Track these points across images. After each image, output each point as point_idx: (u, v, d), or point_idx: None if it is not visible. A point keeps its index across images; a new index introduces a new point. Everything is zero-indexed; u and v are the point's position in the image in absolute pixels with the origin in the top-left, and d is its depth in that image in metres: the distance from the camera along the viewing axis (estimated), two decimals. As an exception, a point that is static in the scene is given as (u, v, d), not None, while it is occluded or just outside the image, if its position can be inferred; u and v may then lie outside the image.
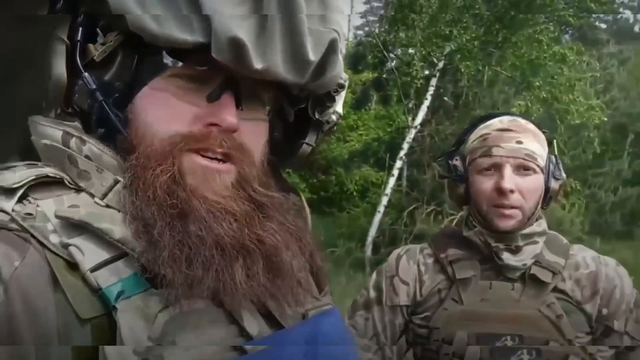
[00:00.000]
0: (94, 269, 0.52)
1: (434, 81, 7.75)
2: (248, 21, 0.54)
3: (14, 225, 0.53)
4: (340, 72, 0.63)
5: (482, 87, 8.50)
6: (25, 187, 0.56)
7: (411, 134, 7.54)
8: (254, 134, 0.63)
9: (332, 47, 0.58)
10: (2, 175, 0.57)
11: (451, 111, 8.93)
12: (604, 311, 1.14)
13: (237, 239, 0.56)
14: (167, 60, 0.58)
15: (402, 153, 7.38)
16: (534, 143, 1.16)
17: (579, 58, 8.41)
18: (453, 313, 1.14)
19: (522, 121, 1.20)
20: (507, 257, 1.14)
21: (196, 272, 0.53)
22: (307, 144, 0.74)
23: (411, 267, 1.25)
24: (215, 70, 0.57)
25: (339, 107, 0.73)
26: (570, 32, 13.97)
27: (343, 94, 0.73)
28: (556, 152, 1.21)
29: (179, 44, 0.55)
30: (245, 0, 0.54)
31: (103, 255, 0.54)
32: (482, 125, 1.22)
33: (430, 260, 1.25)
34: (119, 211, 0.57)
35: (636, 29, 18.85)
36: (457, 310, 1.14)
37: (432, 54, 7.34)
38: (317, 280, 0.72)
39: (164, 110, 0.58)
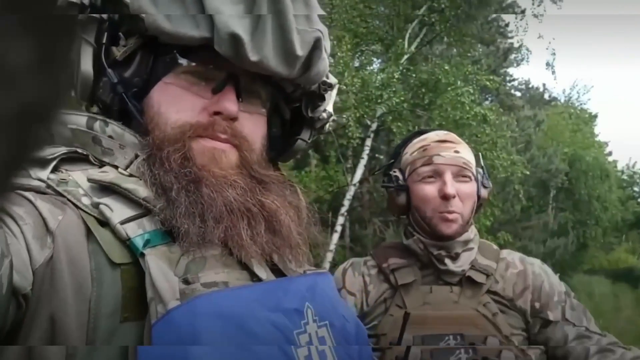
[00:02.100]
0: (123, 222, 0.59)
1: (368, 142, 8.09)
2: (245, 20, 0.63)
3: (49, 191, 0.61)
4: (325, 68, 0.73)
5: (414, 146, 8.97)
6: (57, 159, 0.64)
7: (351, 192, 7.75)
8: (253, 125, 0.71)
9: (317, 44, 0.67)
10: None
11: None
12: (537, 305, 1.19)
13: (242, 203, 0.64)
14: (180, 60, 0.67)
15: (343, 210, 7.55)
16: (467, 153, 1.25)
17: (499, 118, 9.10)
18: (398, 318, 1.16)
19: (454, 135, 1.30)
20: (449, 263, 1.21)
21: (209, 224, 0.61)
22: (301, 139, 0.82)
23: (357, 278, 1.29)
24: (219, 68, 0.67)
25: (329, 106, 0.82)
26: (489, 98, 15.07)
27: (333, 94, 0.82)
28: (482, 164, 1.30)
29: (187, 39, 0.64)
30: (241, 1, 0.64)
31: (129, 212, 0.61)
32: (417, 139, 1.30)
33: (374, 271, 1.29)
34: (140, 179, 0.64)
35: (546, 96, 20.66)
36: (402, 315, 1.15)
37: (365, 116, 7.71)
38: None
39: (175, 102, 0.67)
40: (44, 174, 0.62)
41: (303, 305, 0.62)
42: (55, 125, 0.20)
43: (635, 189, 25.46)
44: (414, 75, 8.09)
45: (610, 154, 23.94)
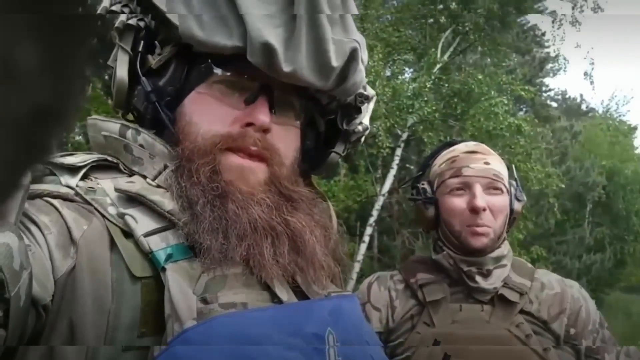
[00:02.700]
0: (146, 235, 0.59)
1: (398, 151, 8.00)
2: (279, 29, 0.62)
3: (77, 199, 0.61)
4: (362, 79, 0.71)
5: (445, 156, 8.90)
6: (87, 167, 0.64)
7: (380, 202, 7.68)
8: (285, 137, 0.70)
9: (353, 55, 0.65)
10: (66, 159, 0.64)
11: (417, 180, 9.28)
12: (572, 331, 1.14)
13: (267, 221, 0.63)
14: (214, 69, 0.66)
15: (371, 220, 7.48)
16: (498, 164, 1.20)
17: (534, 129, 8.89)
18: (425, 336, 1.13)
19: (485, 146, 1.25)
20: (480, 281, 1.16)
21: (231, 241, 0.59)
22: (335, 152, 0.80)
23: (382, 293, 1.25)
24: (252, 78, 0.66)
25: (365, 118, 0.79)
26: (524, 108, 14.79)
27: (370, 106, 0.80)
28: (515, 176, 1.26)
29: (220, 48, 0.63)
30: (276, 3, 0.63)
31: (154, 225, 0.60)
32: (446, 151, 1.27)
33: (400, 286, 1.25)
34: (167, 190, 0.63)
35: (583, 107, 20.17)
36: (429, 333, 1.13)
37: (395, 126, 7.63)
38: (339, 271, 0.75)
39: (207, 112, 0.66)
40: (74, 181, 0.62)
41: (324, 331, 0.59)
42: (66, 129, 0.20)
43: (677, 204, 24.53)
44: (446, 84, 7.99)
45: (650, 167, 23.09)
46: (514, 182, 1.24)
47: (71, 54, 0.19)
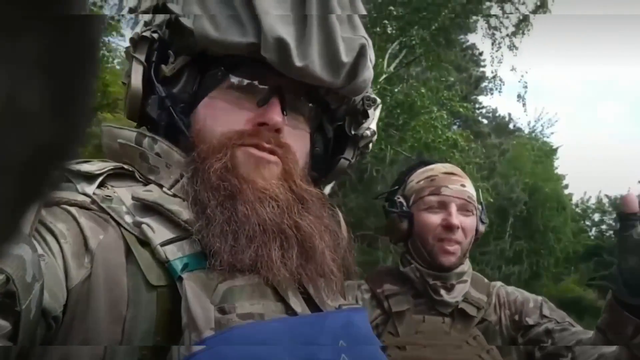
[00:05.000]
0: (163, 244, 0.58)
1: (340, 157, 8.13)
2: (291, 26, 0.64)
3: (94, 207, 0.60)
4: (370, 77, 0.72)
5: (384, 164, 9.12)
6: (104, 175, 0.63)
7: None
8: (296, 140, 0.71)
9: (362, 52, 0.67)
10: (82, 166, 0.63)
11: (356, 185, 9.43)
12: (516, 317, 1.24)
13: (277, 223, 0.63)
14: (226, 75, 0.68)
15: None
16: (471, 188, 1.29)
17: (468, 145, 9.31)
18: (390, 345, 1.17)
19: (459, 169, 1.34)
20: (444, 294, 1.23)
21: (241, 243, 0.60)
22: (345, 158, 0.80)
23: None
24: (264, 83, 0.68)
25: (372, 124, 0.80)
26: (457, 123, 15.40)
27: (376, 113, 0.81)
28: (481, 200, 1.35)
29: (235, 46, 0.65)
30: (288, 5, 0.65)
31: (170, 234, 0.60)
32: (423, 169, 1.33)
33: (367, 296, 1.29)
34: (183, 200, 0.63)
35: (511, 126, 21.30)
36: (394, 342, 1.18)
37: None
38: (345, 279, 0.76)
39: (220, 115, 0.68)
40: (90, 189, 0.62)
41: (337, 343, 0.60)
42: (69, 164, 0.19)
43: (587, 222, 26.52)
44: (390, 95, 8.18)
45: (566, 187, 24.78)
46: (479, 206, 1.32)
47: (76, 88, 0.18)
